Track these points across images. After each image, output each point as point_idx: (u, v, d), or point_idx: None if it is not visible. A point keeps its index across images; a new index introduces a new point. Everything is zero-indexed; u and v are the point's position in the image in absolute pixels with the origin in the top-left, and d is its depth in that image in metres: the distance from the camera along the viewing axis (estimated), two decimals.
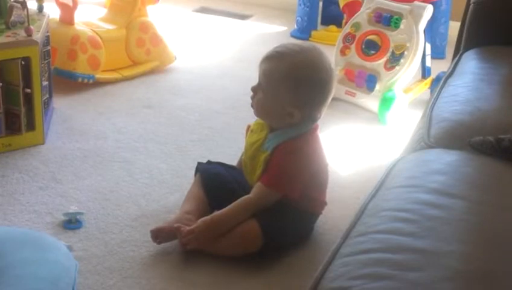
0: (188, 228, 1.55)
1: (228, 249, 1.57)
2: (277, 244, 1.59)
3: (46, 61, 2.22)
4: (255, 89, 1.61)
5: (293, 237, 1.64)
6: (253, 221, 1.56)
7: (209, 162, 1.81)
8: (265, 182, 1.58)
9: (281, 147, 1.58)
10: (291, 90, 1.54)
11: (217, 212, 1.60)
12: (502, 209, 1.01)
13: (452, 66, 1.71)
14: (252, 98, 1.62)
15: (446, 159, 1.15)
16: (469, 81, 1.54)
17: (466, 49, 1.82)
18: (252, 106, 1.63)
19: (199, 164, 1.78)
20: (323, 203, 1.70)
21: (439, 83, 1.66)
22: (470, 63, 1.69)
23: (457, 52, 1.88)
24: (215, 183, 1.69)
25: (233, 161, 1.83)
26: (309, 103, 1.57)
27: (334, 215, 1.78)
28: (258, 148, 1.62)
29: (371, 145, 2.27)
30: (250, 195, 1.59)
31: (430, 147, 1.27)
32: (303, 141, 1.60)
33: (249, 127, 1.72)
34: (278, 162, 1.57)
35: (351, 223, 0.98)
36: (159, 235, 1.60)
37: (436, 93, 1.52)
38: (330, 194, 1.81)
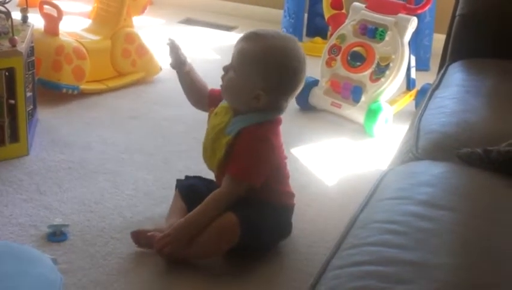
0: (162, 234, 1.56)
1: (206, 247, 1.56)
2: (255, 237, 1.57)
3: (31, 72, 2.20)
4: (226, 68, 1.62)
5: (272, 232, 1.63)
6: (229, 213, 1.56)
7: (186, 177, 1.82)
8: (232, 172, 1.58)
9: (244, 132, 1.58)
10: (262, 73, 1.55)
11: (190, 212, 1.59)
12: (491, 221, 1.01)
13: (438, 78, 1.72)
14: (223, 77, 1.62)
15: (434, 171, 1.15)
16: (455, 93, 1.55)
17: (452, 61, 1.83)
18: (220, 85, 1.63)
19: (178, 180, 1.80)
20: (291, 194, 1.71)
21: (424, 95, 1.67)
22: (456, 75, 1.70)
23: (443, 64, 1.89)
24: (192, 195, 1.70)
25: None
26: (277, 89, 1.57)
27: (320, 227, 1.78)
28: (221, 131, 1.62)
29: (357, 156, 2.28)
30: (220, 188, 1.60)
31: (418, 158, 1.27)
32: (268, 128, 1.60)
33: (212, 110, 1.71)
34: (244, 150, 1.57)
35: (342, 235, 0.98)
36: (139, 238, 1.62)
37: (423, 105, 1.53)
38: (316, 205, 1.82)
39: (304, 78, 1.61)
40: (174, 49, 1.75)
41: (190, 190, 1.72)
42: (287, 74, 1.57)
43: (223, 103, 1.67)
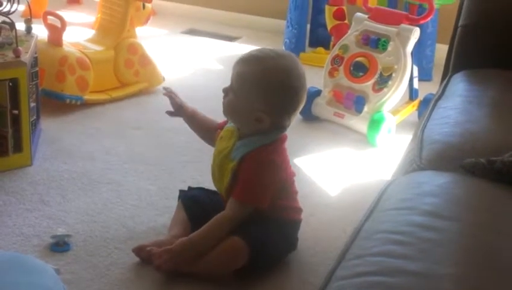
0: (162, 248, 1.55)
1: (215, 267, 1.56)
2: (264, 256, 1.57)
3: (34, 82, 2.21)
4: (226, 91, 1.61)
5: (278, 248, 1.63)
6: (235, 237, 1.55)
7: (189, 188, 1.82)
8: (236, 196, 1.58)
9: (248, 157, 1.58)
10: (262, 95, 1.54)
11: (193, 233, 1.59)
12: (495, 232, 1.01)
13: (441, 88, 1.72)
14: (223, 99, 1.62)
15: (438, 181, 1.15)
16: (458, 104, 1.55)
17: (454, 71, 1.84)
18: (222, 104, 1.63)
19: (180, 191, 1.80)
20: (299, 210, 1.70)
21: (427, 105, 1.67)
22: (459, 85, 1.70)
23: (446, 75, 1.89)
24: (194, 206, 1.71)
25: None
26: (279, 109, 1.57)
27: (323, 237, 1.78)
28: (226, 156, 1.62)
29: (360, 166, 2.28)
30: (224, 211, 1.59)
31: (422, 169, 1.27)
32: (271, 150, 1.59)
33: (218, 133, 1.71)
34: (248, 174, 1.57)
35: (346, 246, 0.97)
36: (140, 254, 1.62)
37: (426, 116, 1.53)
38: (319, 215, 1.81)
39: (305, 95, 1.61)
40: (171, 96, 1.77)
41: (193, 201, 1.72)
42: (289, 94, 1.56)
43: (228, 126, 1.67)
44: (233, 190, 1.59)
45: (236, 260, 1.55)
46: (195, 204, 1.71)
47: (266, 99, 1.55)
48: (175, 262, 1.54)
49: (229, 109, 1.61)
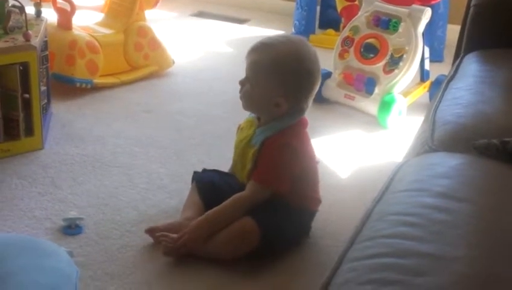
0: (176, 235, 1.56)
1: (223, 248, 1.56)
2: (274, 242, 1.57)
3: (45, 66, 2.21)
4: (242, 82, 1.63)
5: (290, 236, 1.64)
6: (248, 218, 1.56)
7: (204, 170, 1.81)
8: (256, 178, 1.59)
9: (268, 141, 1.59)
10: (277, 80, 1.56)
11: (209, 211, 1.59)
12: (508, 213, 1.00)
13: (454, 69, 1.71)
14: (240, 91, 1.63)
15: (451, 162, 1.14)
16: (471, 84, 1.53)
17: (467, 52, 1.82)
18: (240, 98, 1.64)
19: (195, 173, 1.79)
20: (318, 201, 1.70)
21: (439, 86, 1.66)
22: (471, 66, 1.69)
23: (458, 55, 1.87)
24: (210, 191, 1.70)
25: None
26: (295, 92, 1.58)
27: (334, 219, 1.78)
28: (247, 144, 1.63)
29: (371, 148, 2.27)
30: (243, 192, 1.60)
31: (434, 150, 1.26)
32: (290, 134, 1.60)
33: (239, 126, 1.74)
34: (267, 157, 1.59)
35: (358, 228, 0.97)
36: (153, 234, 1.63)
37: (438, 97, 1.51)
38: (331, 197, 1.81)
39: (319, 76, 1.61)
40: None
41: (207, 185, 1.71)
42: (302, 76, 1.57)
43: (248, 117, 1.69)
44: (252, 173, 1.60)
45: (246, 240, 1.55)
46: (209, 187, 1.71)
47: (282, 84, 1.56)
48: (192, 244, 1.54)
49: (248, 99, 1.63)
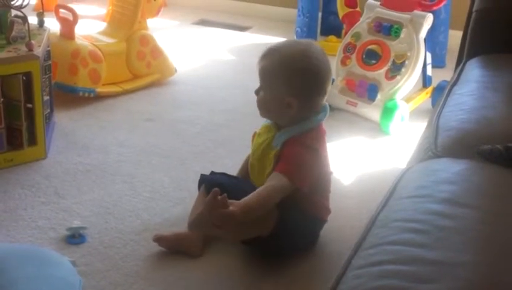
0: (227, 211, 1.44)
1: (239, 229, 1.52)
2: (283, 245, 1.58)
3: (47, 75, 2.21)
4: (257, 91, 1.65)
5: (300, 243, 1.64)
6: None
7: (212, 173, 1.81)
8: (279, 170, 1.56)
9: (291, 140, 1.60)
10: (285, 80, 1.58)
11: (247, 201, 1.48)
12: None
13: (456, 74, 1.71)
14: (257, 100, 1.65)
15: (455, 168, 1.14)
16: (474, 90, 1.53)
17: (469, 57, 1.81)
18: (257, 107, 1.66)
19: (202, 176, 1.78)
20: (328, 210, 1.71)
21: (441, 92, 1.66)
22: (474, 71, 1.68)
23: (460, 61, 1.87)
24: (221, 193, 1.68)
25: (235, 173, 1.82)
26: (304, 91, 1.59)
27: (338, 225, 1.77)
28: (267, 146, 1.64)
29: (374, 154, 2.26)
30: (270, 182, 1.54)
31: (438, 156, 1.25)
32: (312, 137, 1.61)
33: (255, 133, 1.74)
34: (290, 153, 1.59)
35: (362, 235, 0.97)
36: (160, 242, 1.64)
37: (441, 102, 1.51)
38: (334, 204, 1.80)
39: (329, 75, 1.62)
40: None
41: (218, 188, 1.69)
42: (310, 74, 1.58)
43: (264, 123, 1.70)
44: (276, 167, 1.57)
45: (265, 222, 1.53)
46: (220, 189, 1.68)
47: (290, 84, 1.58)
48: (231, 226, 1.46)
49: (262, 105, 1.64)
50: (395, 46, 2.43)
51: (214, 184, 1.70)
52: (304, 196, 1.60)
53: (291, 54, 1.59)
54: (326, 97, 1.64)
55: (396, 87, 2.40)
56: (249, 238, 1.59)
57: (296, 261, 1.62)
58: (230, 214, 1.43)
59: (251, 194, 1.51)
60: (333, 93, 2.53)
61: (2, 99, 1.96)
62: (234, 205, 1.44)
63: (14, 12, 2.12)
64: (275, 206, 1.54)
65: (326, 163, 1.67)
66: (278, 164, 1.58)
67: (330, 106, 2.56)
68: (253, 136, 1.74)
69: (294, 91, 1.58)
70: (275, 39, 3.48)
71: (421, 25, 2.40)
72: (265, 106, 1.63)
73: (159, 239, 1.64)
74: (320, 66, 1.59)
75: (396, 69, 2.41)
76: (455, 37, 2.23)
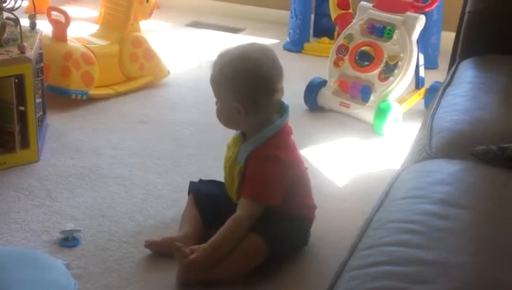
0: (190, 257, 1.50)
1: (235, 269, 1.55)
2: (281, 252, 1.58)
3: (40, 78, 2.20)
4: (216, 102, 1.66)
5: (294, 244, 1.65)
6: (254, 235, 1.55)
7: (200, 180, 1.81)
8: (245, 195, 1.58)
9: (252, 156, 1.59)
10: (229, 86, 1.59)
11: (212, 239, 1.54)
12: (508, 219, 1.00)
13: (449, 75, 1.71)
14: (215, 111, 1.66)
15: (449, 169, 1.14)
16: (467, 91, 1.54)
17: (462, 58, 1.82)
18: None
19: (191, 183, 1.79)
20: (313, 207, 1.70)
21: (434, 93, 1.66)
22: (467, 72, 1.69)
23: (453, 62, 1.88)
24: (208, 204, 1.70)
25: None
26: (248, 93, 1.58)
27: (333, 228, 1.77)
28: (234, 162, 1.64)
29: (367, 156, 2.27)
30: (238, 212, 1.58)
31: (432, 157, 1.26)
32: (275, 145, 1.60)
33: (228, 144, 1.73)
34: (254, 171, 1.58)
35: (358, 236, 0.97)
36: (152, 247, 1.63)
37: (435, 104, 1.51)
38: (328, 206, 1.81)
39: (273, 72, 1.59)
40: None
41: (205, 198, 1.70)
42: (248, 75, 1.56)
43: (234, 135, 1.70)
44: (242, 190, 1.59)
45: (256, 256, 1.55)
46: (207, 200, 1.69)
47: (233, 89, 1.58)
48: (199, 273, 1.51)
49: (219, 115, 1.65)
50: (387, 47, 2.43)
51: (201, 194, 1.72)
52: (285, 202, 1.60)
53: (229, 59, 1.59)
54: (279, 96, 1.61)
55: (389, 89, 2.40)
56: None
57: (291, 264, 1.62)
58: (192, 262, 1.48)
59: (218, 230, 1.55)
60: (326, 95, 2.53)
61: None
62: (198, 250, 1.50)
63: (6, 14, 2.11)
64: (262, 238, 1.54)
65: (298, 164, 1.66)
66: (244, 187, 1.59)
67: (323, 107, 2.59)
68: (227, 147, 1.72)
69: (238, 96, 1.57)
70: (267, 41, 3.48)
71: (413, 27, 2.41)
72: (221, 115, 1.64)
73: (150, 244, 1.64)
74: (259, 66, 1.56)
75: (389, 70, 2.41)
76: (448, 39, 2.23)
